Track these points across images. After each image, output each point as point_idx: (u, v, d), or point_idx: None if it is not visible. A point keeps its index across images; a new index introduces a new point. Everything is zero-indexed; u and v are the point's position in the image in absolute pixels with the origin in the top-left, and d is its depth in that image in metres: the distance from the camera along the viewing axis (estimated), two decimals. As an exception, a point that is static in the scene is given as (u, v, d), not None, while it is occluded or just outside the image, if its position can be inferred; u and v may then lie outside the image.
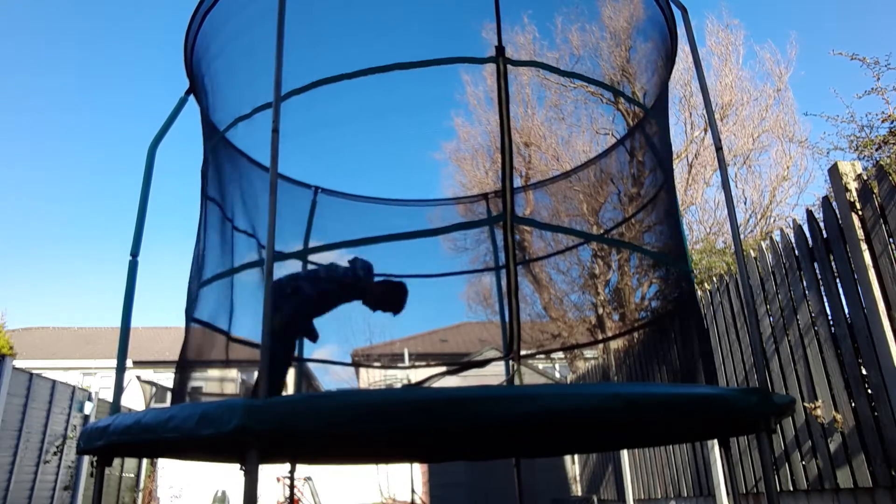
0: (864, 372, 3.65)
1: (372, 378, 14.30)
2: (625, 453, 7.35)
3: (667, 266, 4.09)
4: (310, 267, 4.28)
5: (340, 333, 4.39)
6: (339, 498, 12.87)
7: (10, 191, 41.30)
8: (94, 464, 2.50)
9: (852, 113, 11.34)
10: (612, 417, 2.07)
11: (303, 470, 10.99)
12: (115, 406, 2.75)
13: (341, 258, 4.46)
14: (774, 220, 12.19)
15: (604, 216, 5.26)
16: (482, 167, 12.07)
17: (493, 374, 4.57)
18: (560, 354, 13.39)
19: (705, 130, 12.09)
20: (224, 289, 3.13)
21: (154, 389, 15.70)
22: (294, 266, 4.32)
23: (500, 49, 2.75)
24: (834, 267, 3.86)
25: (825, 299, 3.96)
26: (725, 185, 2.72)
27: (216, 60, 3.20)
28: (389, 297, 3.81)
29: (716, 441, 5.02)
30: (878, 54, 10.19)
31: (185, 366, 3.26)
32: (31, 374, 8.25)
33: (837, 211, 3.79)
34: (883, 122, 5.59)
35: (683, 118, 12.55)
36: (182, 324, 3.22)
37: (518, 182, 10.71)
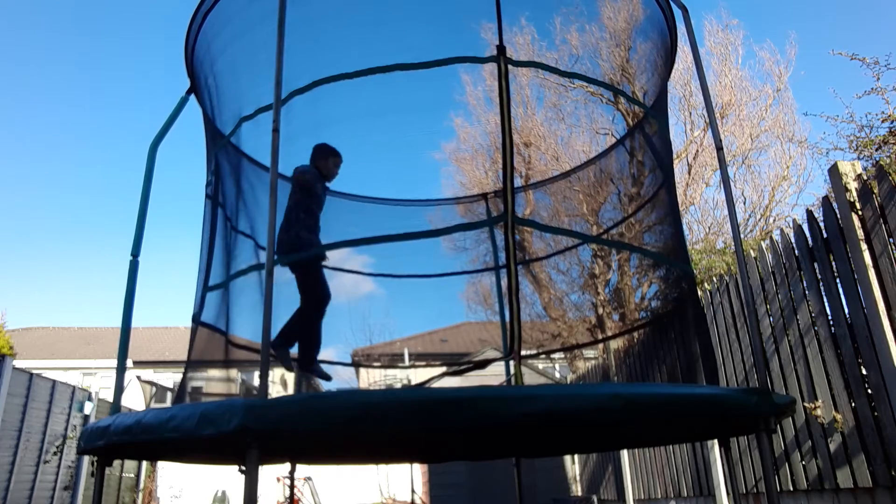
0: (864, 372, 3.65)
1: (372, 378, 14.30)
2: (625, 453, 7.35)
3: (668, 266, 4.10)
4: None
5: (340, 333, 4.39)
6: (339, 498, 12.88)
7: (10, 190, 41.30)
8: (95, 464, 2.50)
9: (852, 113, 11.37)
10: (612, 417, 2.07)
11: (303, 470, 10.99)
12: (116, 406, 2.75)
13: (345, 261, 4.46)
14: (774, 220, 12.18)
15: (604, 216, 5.27)
16: (482, 167, 12.06)
17: (494, 374, 4.57)
18: (560, 354, 13.39)
19: (705, 130, 12.09)
20: (231, 292, 3.14)
21: (154, 389, 15.71)
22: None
23: (501, 49, 2.76)
24: (834, 267, 3.86)
25: (825, 299, 3.96)
26: (726, 184, 2.72)
27: (218, 61, 3.20)
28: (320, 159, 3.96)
29: (716, 441, 5.03)
30: (878, 54, 10.18)
31: (193, 368, 3.27)
32: (31, 374, 8.25)
33: (837, 211, 3.79)
34: (883, 122, 5.59)
35: (683, 118, 12.56)
36: (183, 324, 3.23)
37: (518, 182, 10.71)
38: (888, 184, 3.41)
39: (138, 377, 16.11)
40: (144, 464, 11.80)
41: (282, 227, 3.69)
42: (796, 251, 4.23)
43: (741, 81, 12.62)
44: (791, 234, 4.28)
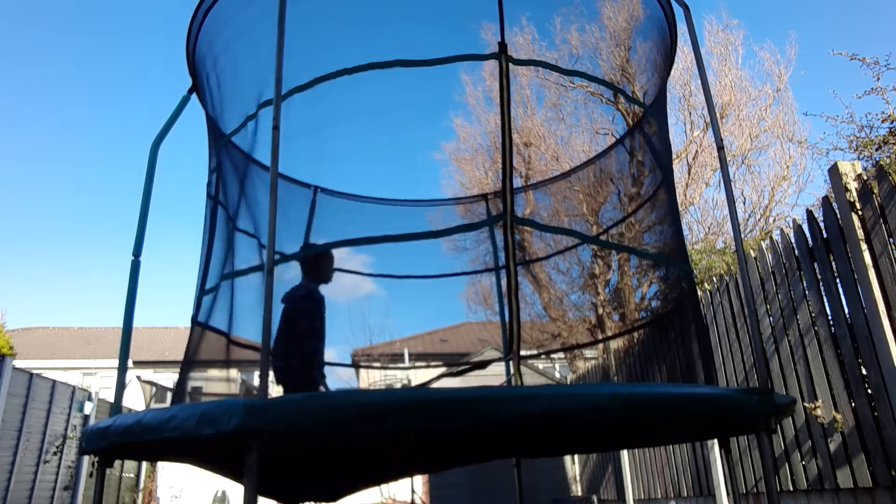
0: (864, 372, 3.65)
1: (372, 378, 14.30)
2: (625, 453, 7.35)
3: (667, 266, 4.09)
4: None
5: (340, 333, 4.39)
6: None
7: (10, 190, 41.31)
8: (95, 464, 2.50)
9: (852, 113, 11.38)
10: (612, 417, 2.07)
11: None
12: (117, 406, 2.75)
13: (345, 261, 4.46)
14: (774, 220, 12.19)
15: (603, 216, 5.27)
16: (482, 167, 12.07)
17: (493, 374, 4.57)
18: (560, 354, 13.39)
19: (704, 130, 12.09)
20: (231, 291, 3.13)
21: (154, 389, 15.71)
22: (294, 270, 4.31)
23: (503, 46, 2.75)
24: (834, 267, 3.86)
25: (825, 299, 3.96)
26: (726, 184, 2.72)
27: (220, 59, 3.19)
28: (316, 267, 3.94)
29: (716, 441, 5.02)
30: (878, 54, 10.17)
31: (190, 368, 3.26)
32: (31, 374, 8.25)
33: (837, 211, 3.79)
34: (883, 122, 5.59)
35: (683, 118, 12.56)
36: (183, 324, 3.23)
37: (518, 182, 10.71)
38: (888, 184, 3.41)
39: (138, 377, 16.11)
40: (144, 464, 11.81)
41: (276, 353, 3.55)
42: (796, 251, 4.23)
43: (741, 81, 12.63)
44: (791, 234, 4.27)
